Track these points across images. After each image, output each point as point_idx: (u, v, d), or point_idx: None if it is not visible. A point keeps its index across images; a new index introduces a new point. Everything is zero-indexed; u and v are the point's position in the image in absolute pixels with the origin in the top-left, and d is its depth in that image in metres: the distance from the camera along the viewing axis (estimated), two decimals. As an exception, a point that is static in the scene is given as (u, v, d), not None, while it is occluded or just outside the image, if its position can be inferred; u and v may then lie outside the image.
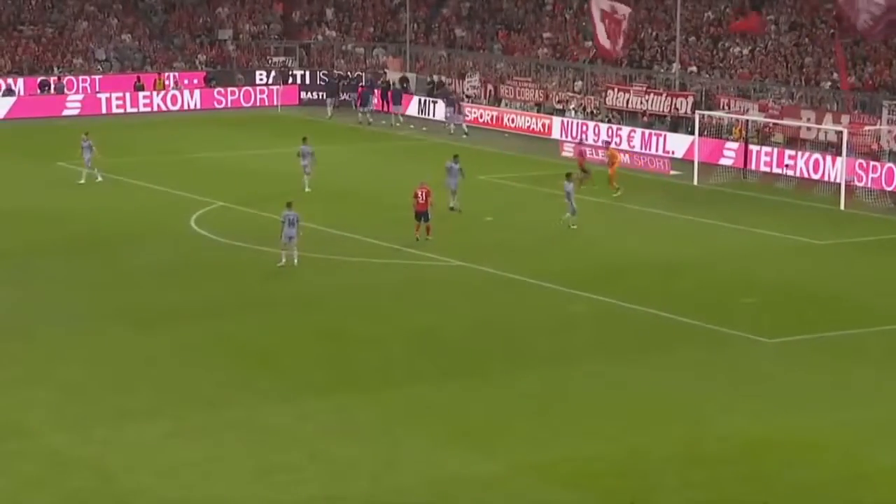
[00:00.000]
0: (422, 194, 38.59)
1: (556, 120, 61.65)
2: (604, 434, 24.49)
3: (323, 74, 72.66)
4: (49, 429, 24.70)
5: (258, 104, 71.55)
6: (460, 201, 43.11)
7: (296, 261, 35.92)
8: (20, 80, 68.38)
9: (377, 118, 65.89)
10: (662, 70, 62.14)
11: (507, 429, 24.79)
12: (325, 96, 69.51)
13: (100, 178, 48.12)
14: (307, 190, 45.84)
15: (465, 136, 60.75)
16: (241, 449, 23.73)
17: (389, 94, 67.17)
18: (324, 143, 53.12)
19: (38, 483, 22.29)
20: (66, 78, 69.20)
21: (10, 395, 26.58)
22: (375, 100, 67.11)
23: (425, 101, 67.35)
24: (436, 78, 69.37)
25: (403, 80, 69.10)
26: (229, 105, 70.88)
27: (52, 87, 68.54)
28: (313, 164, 46.66)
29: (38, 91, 68.42)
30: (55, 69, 70.28)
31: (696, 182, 50.30)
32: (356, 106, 67.35)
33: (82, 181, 48.08)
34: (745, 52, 60.74)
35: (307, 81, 72.81)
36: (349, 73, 72.43)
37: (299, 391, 26.76)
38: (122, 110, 68.62)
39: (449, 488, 22.10)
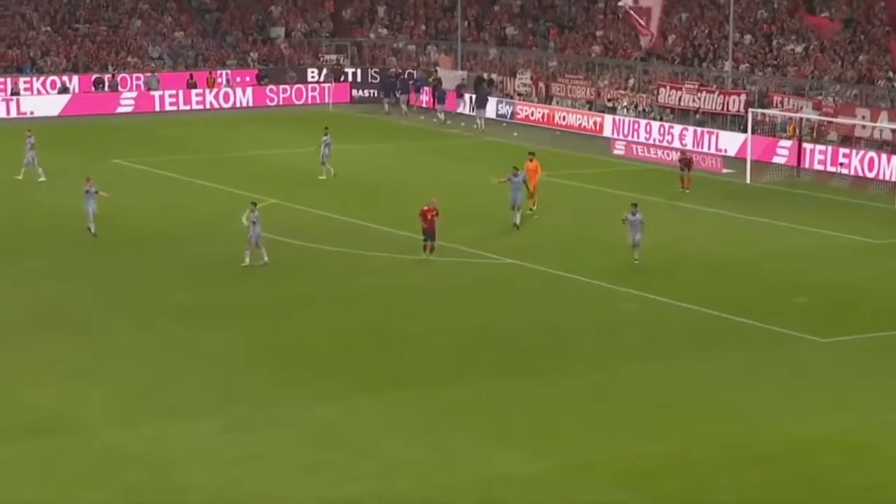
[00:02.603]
0: (430, 213, 37.11)
1: (608, 118, 61.48)
2: (654, 433, 24.39)
3: (375, 72, 72.83)
4: (103, 424, 24.92)
5: (310, 102, 71.79)
6: (522, 217, 41.39)
7: (265, 258, 35.90)
8: (75, 78, 68.98)
9: (428, 115, 66.08)
10: (714, 68, 61.78)
11: (556, 428, 24.75)
12: (378, 94, 69.93)
13: (43, 179, 48.06)
14: (322, 178, 47.29)
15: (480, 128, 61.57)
16: (290, 446, 23.83)
17: (431, 91, 67.80)
18: (375, 141, 53.17)
19: (93, 478, 22.50)
20: (120, 75, 69.77)
21: (65, 390, 26.84)
22: (415, 96, 68.11)
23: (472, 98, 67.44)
24: (486, 75, 69.36)
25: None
26: (281, 103, 71.18)
27: (107, 84, 69.11)
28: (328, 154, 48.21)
29: (93, 88, 69.00)
30: (109, 67, 70.85)
31: (748, 180, 49.97)
32: (408, 103, 67.90)
33: (42, 179, 48.11)
34: (799, 49, 60.28)
35: (359, 79, 72.97)
36: (401, 70, 72.54)
37: (347, 389, 26.82)
38: (175, 108, 69.05)
39: (497, 487, 22.09)
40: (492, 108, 65.87)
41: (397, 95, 69.14)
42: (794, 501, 21.62)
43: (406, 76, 71.46)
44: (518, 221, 41.19)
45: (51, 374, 27.85)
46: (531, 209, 42.88)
